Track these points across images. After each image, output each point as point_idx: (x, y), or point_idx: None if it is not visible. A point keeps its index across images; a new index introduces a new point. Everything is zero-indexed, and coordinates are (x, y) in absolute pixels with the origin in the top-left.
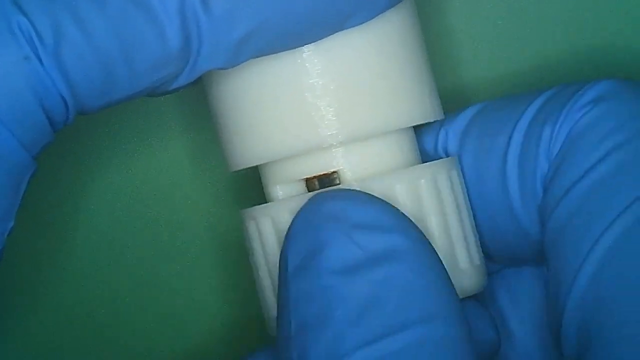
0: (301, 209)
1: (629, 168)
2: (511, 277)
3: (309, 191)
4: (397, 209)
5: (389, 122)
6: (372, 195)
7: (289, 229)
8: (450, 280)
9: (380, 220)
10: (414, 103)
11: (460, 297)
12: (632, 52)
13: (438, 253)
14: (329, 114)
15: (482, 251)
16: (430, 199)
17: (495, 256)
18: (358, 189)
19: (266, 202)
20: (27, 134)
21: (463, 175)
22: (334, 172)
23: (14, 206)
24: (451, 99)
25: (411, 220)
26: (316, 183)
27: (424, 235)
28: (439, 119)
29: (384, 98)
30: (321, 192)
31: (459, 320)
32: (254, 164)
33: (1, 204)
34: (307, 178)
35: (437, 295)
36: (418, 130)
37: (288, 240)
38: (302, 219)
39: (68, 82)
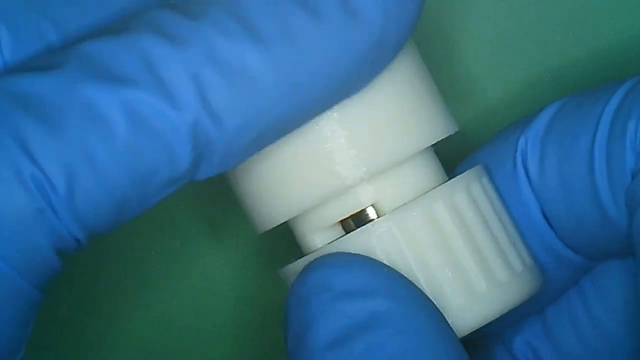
0: (293, 282)
1: None
2: (598, 272)
3: (346, 232)
4: (385, 267)
5: (408, 147)
6: (358, 256)
7: (285, 304)
8: (450, 331)
9: (364, 284)
10: (428, 124)
11: (527, 297)
12: (633, 51)
13: (493, 265)
14: (349, 155)
15: (572, 250)
16: (469, 210)
17: (584, 254)
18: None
19: (302, 254)
20: (40, 276)
21: (546, 178)
22: (366, 208)
23: (26, 338)
24: (451, 99)
25: (400, 278)
26: (351, 223)
27: (416, 290)
28: (456, 130)
29: (400, 127)
30: (310, 262)
31: None
32: (284, 220)
33: (14, 338)
34: (341, 220)
35: (430, 353)
36: (493, 141)
37: (285, 317)
38: (293, 294)
39: (82, 226)
